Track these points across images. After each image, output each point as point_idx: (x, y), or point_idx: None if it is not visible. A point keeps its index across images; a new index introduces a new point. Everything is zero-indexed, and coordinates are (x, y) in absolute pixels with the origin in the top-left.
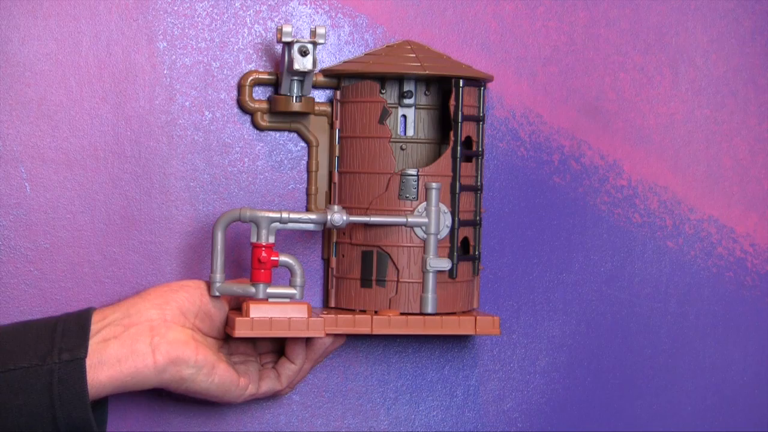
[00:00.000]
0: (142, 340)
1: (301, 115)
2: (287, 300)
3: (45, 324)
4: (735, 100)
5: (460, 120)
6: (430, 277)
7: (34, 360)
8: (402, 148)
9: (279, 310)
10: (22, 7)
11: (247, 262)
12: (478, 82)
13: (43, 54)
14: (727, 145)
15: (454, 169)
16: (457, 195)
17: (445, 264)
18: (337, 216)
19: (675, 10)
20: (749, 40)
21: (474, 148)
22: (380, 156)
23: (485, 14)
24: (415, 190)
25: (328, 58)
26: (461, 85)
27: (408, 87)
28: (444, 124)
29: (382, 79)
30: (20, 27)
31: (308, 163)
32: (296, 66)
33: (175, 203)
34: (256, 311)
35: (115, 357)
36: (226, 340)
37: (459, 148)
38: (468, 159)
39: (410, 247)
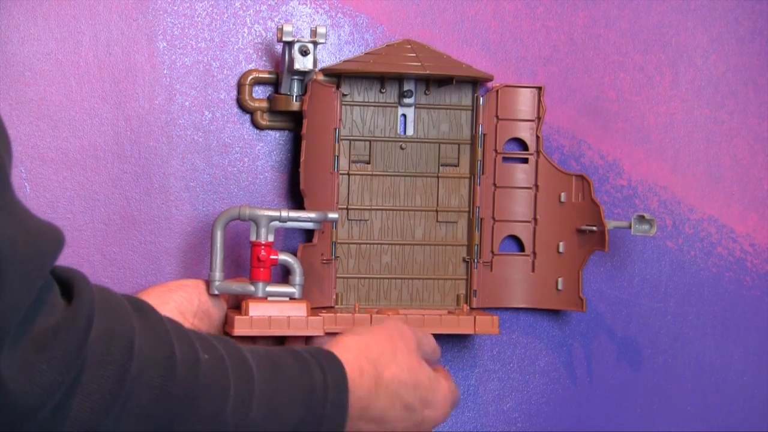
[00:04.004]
0: None
1: (301, 114)
2: (286, 298)
3: None
4: (735, 100)
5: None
6: None
7: None
8: (402, 148)
9: (278, 308)
10: (22, 7)
11: (247, 262)
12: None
13: (43, 54)
14: (727, 145)
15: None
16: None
17: None
18: (336, 214)
19: (675, 10)
20: (749, 40)
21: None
22: None
23: (485, 14)
24: None
25: (328, 57)
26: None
27: (408, 86)
28: (443, 123)
29: (382, 79)
30: (20, 27)
31: None
32: (297, 65)
33: (174, 203)
34: (255, 309)
35: None
36: None
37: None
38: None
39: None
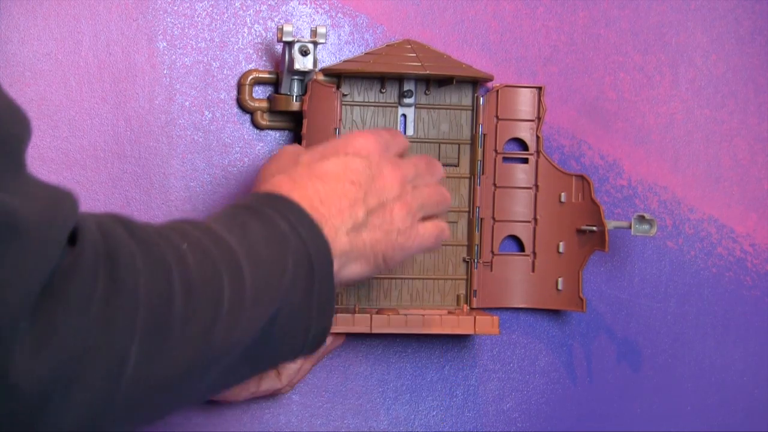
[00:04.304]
0: None
1: (301, 114)
2: None
3: None
4: (735, 100)
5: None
6: None
7: None
8: None
9: None
10: (22, 7)
11: None
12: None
13: (43, 54)
14: (727, 145)
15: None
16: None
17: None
18: None
19: (675, 10)
20: (749, 40)
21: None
22: None
23: (485, 14)
24: None
25: (328, 57)
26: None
27: (408, 86)
28: (443, 123)
29: (382, 79)
30: (20, 27)
31: None
32: (297, 66)
33: (175, 203)
34: None
35: None
36: None
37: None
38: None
39: None
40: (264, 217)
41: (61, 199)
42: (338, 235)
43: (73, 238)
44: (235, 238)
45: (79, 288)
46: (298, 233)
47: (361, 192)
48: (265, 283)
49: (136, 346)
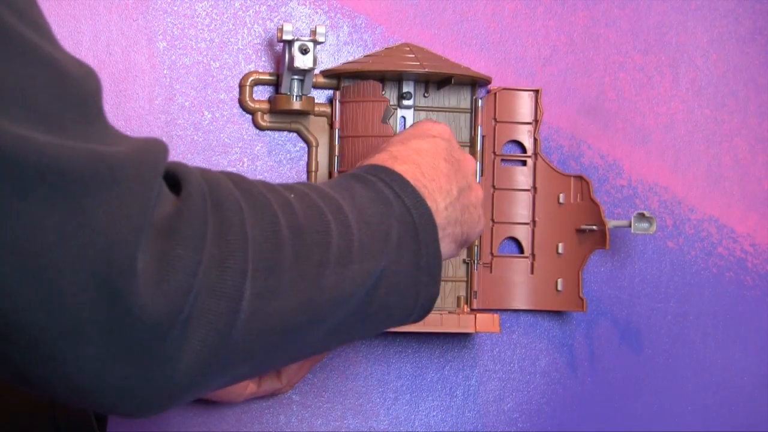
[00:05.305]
0: None
1: (302, 114)
2: None
3: None
4: (735, 100)
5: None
6: None
7: None
8: None
9: None
10: None
11: None
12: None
13: None
14: (727, 145)
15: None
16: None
17: None
18: None
19: (675, 10)
20: (749, 40)
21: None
22: None
23: (484, 14)
24: None
25: (327, 58)
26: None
27: (407, 88)
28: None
29: (382, 80)
30: None
31: (308, 164)
32: (297, 64)
33: None
34: None
35: None
36: None
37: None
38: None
39: None
40: (368, 183)
41: (148, 141)
42: (438, 208)
43: (177, 187)
44: (340, 195)
45: (191, 227)
46: (401, 200)
47: (453, 170)
48: (370, 237)
49: (249, 283)
